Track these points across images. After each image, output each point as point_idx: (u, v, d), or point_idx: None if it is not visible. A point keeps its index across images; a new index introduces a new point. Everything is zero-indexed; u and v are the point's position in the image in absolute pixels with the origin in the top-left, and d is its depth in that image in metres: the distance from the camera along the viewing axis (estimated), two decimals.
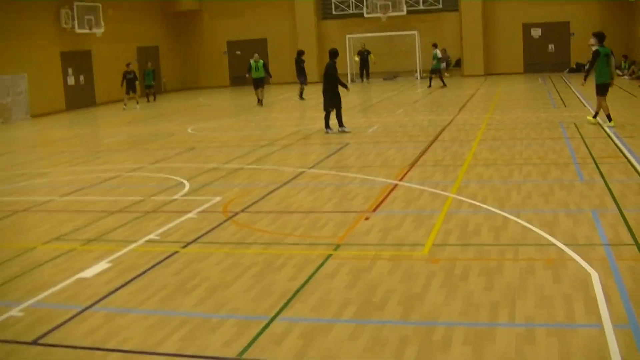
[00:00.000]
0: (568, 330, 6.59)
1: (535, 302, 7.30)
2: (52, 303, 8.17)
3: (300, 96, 33.44)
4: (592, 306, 7.07)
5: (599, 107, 19.65)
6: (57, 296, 8.39)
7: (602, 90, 19.46)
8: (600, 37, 19.73)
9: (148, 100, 39.18)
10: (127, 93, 35.20)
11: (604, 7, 41.53)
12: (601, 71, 19.43)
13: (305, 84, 33.49)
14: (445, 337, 6.56)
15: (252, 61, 32.16)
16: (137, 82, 35.66)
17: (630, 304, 7.06)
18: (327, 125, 21.18)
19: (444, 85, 36.37)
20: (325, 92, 21.05)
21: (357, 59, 42.75)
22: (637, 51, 38.27)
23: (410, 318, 7.10)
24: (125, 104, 35.00)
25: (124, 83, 35.31)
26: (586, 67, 20.03)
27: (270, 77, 33.72)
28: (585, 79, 20.34)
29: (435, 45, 36.56)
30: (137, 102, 35.60)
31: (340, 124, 21.10)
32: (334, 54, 21.21)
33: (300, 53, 33.58)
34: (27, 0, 34.36)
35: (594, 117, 19.97)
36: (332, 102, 20.90)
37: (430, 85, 36.67)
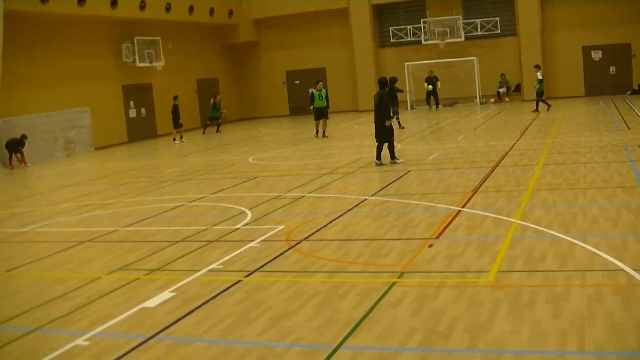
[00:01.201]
0: None
1: (605, 329, 7.11)
2: (116, 332, 8.22)
3: (399, 125, 31.41)
4: None
5: None
6: (121, 325, 8.44)
7: None
8: None
9: (218, 131, 39.70)
10: (177, 127, 34.91)
11: None
12: None
13: (397, 113, 31.16)
14: None
15: (314, 90, 31.22)
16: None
17: None
18: (379, 157, 20.38)
19: (547, 107, 34.74)
20: (379, 123, 20.08)
21: (426, 85, 41.91)
22: None
23: (477, 346, 6.98)
24: (182, 138, 35.22)
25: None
26: None
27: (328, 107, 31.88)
28: None
29: (538, 67, 35.25)
30: (181, 137, 35.37)
31: (393, 155, 20.45)
32: (385, 82, 20.47)
33: (393, 80, 31.94)
34: (89, 36, 35.06)
35: None
36: (391, 132, 20.18)
37: (548, 107, 34.71)
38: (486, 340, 7.09)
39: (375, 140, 20.47)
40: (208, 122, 40.38)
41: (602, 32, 41.78)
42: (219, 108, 40.13)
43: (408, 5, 45.56)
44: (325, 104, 31.04)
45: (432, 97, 41.90)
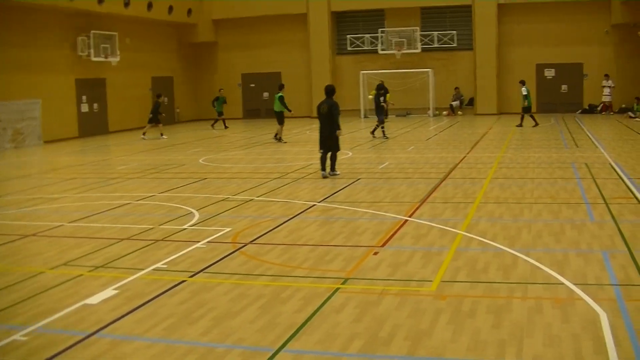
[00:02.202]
0: None
1: (543, 341, 7.23)
2: (56, 328, 8.13)
3: (373, 133, 30.81)
4: (600, 346, 7.01)
5: None
6: (62, 321, 8.35)
7: None
8: None
9: (226, 127, 40.01)
10: (157, 122, 34.84)
11: (618, 49, 41.63)
12: None
13: (383, 122, 30.85)
14: None
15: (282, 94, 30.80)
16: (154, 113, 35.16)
17: (639, 345, 6.99)
18: (325, 167, 19.55)
19: (520, 125, 34.03)
20: (330, 133, 19.14)
21: (371, 96, 41.73)
22: None
23: (417, 353, 7.05)
24: (162, 134, 35.05)
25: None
26: None
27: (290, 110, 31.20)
28: None
29: (522, 82, 34.63)
30: (145, 133, 35.15)
31: (334, 167, 19.68)
32: (333, 91, 19.56)
33: (380, 87, 31.00)
34: (45, 27, 34.65)
35: None
36: (338, 144, 19.48)
37: (529, 124, 33.88)
38: (426, 348, 7.16)
39: (319, 150, 19.65)
40: (218, 117, 40.40)
41: (556, 51, 42.51)
42: (224, 102, 40.22)
43: (367, 14, 45.79)
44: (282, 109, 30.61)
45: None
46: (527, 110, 34.19)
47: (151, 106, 36.11)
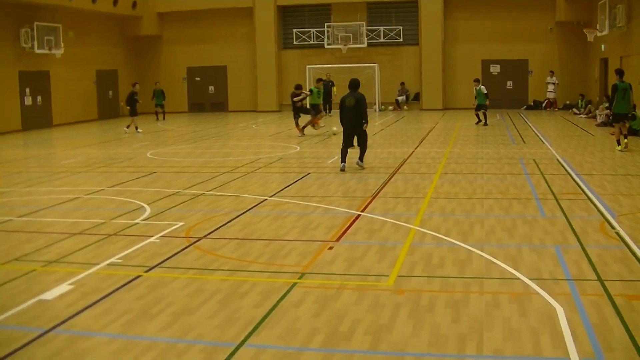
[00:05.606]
0: None
1: (502, 335, 7.33)
2: (12, 325, 8.01)
3: (486, 122, 29.69)
4: (558, 340, 7.12)
5: (617, 133, 22.34)
6: (17, 318, 8.23)
7: (616, 118, 22.41)
8: (620, 73, 22.60)
9: (157, 119, 41.13)
10: (132, 115, 33.78)
11: (562, 46, 42.29)
12: (617, 102, 22.19)
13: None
14: None
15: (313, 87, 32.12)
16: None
17: (596, 338, 7.12)
18: (344, 160, 19.49)
19: (485, 124, 32.89)
20: (359, 127, 19.17)
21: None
22: (593, 91, 38.93)
23: (378, 348, 7.08)
24: (137, 128, 33.95)
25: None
26: (610, 99, 23.73)
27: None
28: (610, 109, 24.46)
29: (477, 81, 33.88)
30: (137, 128, 33.94)
31: (362, 158, 19.73)
32: (358, 84, 19.86)
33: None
34: None
35: (618, 143, 22.25)
36: (366, 135, 19.62)
37: (482, 122, 33.03)
38: (387, 342, 7.20)
39: (343, 143, 19.56)
40: (157, 109, 41.77)
41: (501, 47, 43.05)
42: (163, 96, 41.89)
43: (313, 8, 45.81)
44: (317, 102, 31.41)
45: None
46: (481, 107, 33.07)
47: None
